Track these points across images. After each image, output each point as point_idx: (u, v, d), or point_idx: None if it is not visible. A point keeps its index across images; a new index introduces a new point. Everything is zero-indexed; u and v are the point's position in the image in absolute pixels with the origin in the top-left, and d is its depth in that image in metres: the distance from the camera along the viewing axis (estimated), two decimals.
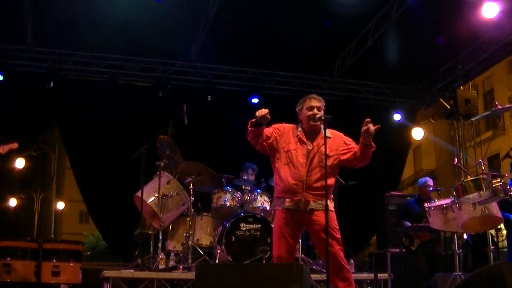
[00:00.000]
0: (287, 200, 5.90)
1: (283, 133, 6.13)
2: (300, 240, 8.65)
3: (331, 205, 5.77)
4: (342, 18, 11.36)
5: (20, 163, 21.31)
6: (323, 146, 5.67)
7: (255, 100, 13.83)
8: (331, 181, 5.90)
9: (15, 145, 7.89)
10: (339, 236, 5.79)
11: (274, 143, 6.06)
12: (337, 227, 5.83)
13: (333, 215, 5.83)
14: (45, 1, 10.83)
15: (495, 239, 9.73)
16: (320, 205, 5.74)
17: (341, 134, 6.15)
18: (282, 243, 5.87)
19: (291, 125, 6.23)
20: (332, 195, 6.05)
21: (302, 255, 8.81)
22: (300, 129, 6.12)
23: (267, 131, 6.05)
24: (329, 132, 5.93)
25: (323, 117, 5.83)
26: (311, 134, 6.05)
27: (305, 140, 6.01)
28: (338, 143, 6.02)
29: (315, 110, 5.98)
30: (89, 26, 11.45)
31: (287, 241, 5.87)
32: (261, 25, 11.82)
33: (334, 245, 5.65)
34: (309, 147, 5.95)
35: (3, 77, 12.19)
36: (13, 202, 29.98)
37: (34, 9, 10.91)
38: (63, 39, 12.21)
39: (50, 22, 11.42)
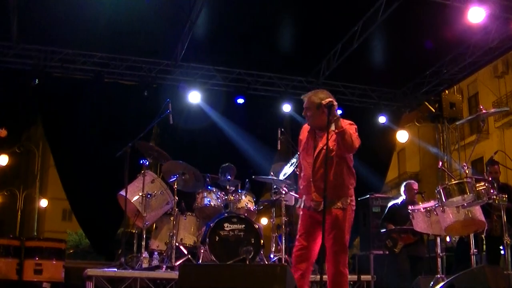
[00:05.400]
0: (305, 199, 5.84)
1: (301, 140, 6.06)
2: (284, 241, 8.68)
3: (348, 201, 5.70)
4: (329, 20, 11.40)
5: (3, 160, 21.17)
6: (329, 141, 5.52)
7: (240, 101, 13.84)
8: (345, 178, 5.76)
9: (3, 133, 7.74)
10: (343, 236, 5.64)
11: None
12: (346, 228, 5.67)
13: (346, 215, 5.70)
14: None
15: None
16: (331, 203, 5.59)
17: (347, 123, 5.74)
18: (298, 241, 5.80)
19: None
20: (351, 189, 5.86)
21: (286, 256, 8.80)
22: None
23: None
24: (336, 118, 5.63)
25: (327, 104, 5.57)
26: (320, 129, 5.84)
27: (314, 136, 5.87)
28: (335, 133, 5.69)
29: (304, 112, 5.91)
30: (75, 23, 11.40)
31: (301, 241, 5.77)
32: (247, 26, 11.83)
33: (333, 246, 5.56)
34: (315, 144, 5.81)
35: None
36: None
37: (19, 5, 10.85)
38: (49, 36, 12.13)
39: (36, 18, 11.35)
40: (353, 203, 5.82)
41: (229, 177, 9.41)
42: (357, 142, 5.63)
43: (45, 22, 11.48)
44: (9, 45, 12.34)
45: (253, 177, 9.40)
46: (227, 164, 9.62)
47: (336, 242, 5.59)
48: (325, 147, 5.58)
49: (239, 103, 13.87)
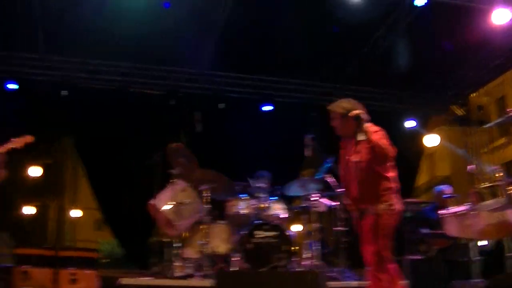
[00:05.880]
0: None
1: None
2: (316, 247, 8.69)
3: (382, 207, 5.71)
4: (352, 25, 11.40)
5: (34, 171, 21.41)
6: (354, 154, 5.66)
7: (267, 108, 13.93)
8: (375, 185, 5.78)
9: (29, 138, 7.78)
10: (378, 241, 5.65)
11: None
12: (381, 233, 5.67)
13: (381, 220, 5.69)
14: (57, 9, 10.88)
15: None
16: (365, 210, 5.72)
17: (376, 130, 5.84)
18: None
19: None
20: (387, 194, 5.84)
21: (318, 262, 8.79)
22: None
23: None
24: (364, 131, 5.73)
25: (354, 117, 5.74)
26: (349, 138, 5.98)
27: (346, 146, 6.00)
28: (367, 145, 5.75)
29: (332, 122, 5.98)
30: (100, 34, 11.47)
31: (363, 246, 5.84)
32: (272, 33, 11.84)
33: (369, 252, 5.63)
34: (346, 154, 5.93)
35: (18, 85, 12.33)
36: (28, 210, 30.06)
37: (45, 17, 11.01)
38: (74, 47, 12.20)
39: (62, 30, 11.46)
40: (393, 208, 5.79)
41: (261, 184, 9.42)
42: (390, 151, 5.70)
43: (70, 34, 11.56)
44: (36, 57, 12.49)
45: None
46: (261, 171, 9.63)
47: (371, 247, 5.60)
48: (353, 158, 5.64)
49: (266, 110, 13.91)
